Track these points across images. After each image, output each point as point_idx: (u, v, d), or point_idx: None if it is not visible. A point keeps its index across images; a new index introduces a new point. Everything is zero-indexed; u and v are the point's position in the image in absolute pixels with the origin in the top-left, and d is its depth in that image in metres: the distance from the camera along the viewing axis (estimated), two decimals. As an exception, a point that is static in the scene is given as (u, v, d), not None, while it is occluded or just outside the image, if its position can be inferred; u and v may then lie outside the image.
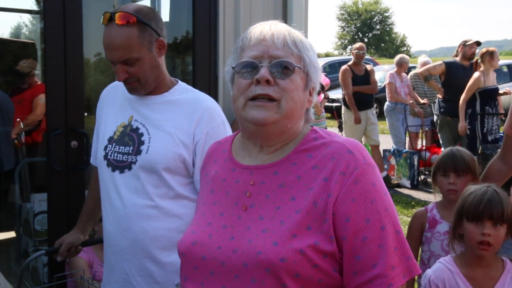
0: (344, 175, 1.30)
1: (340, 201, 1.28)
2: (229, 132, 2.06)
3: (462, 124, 6.98)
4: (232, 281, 1.29)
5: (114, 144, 2.09)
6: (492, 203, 2.12)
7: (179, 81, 2.18)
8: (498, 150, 2.66)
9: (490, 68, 6.96)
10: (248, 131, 1.40)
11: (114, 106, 2.19)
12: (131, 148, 2.03)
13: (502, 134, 7.68)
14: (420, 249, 2.78)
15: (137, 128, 2.06)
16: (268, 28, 1.38)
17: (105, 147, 2.12)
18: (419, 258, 2.75)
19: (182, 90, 2.12)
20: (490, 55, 6.92)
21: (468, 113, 7.11)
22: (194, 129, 2.01)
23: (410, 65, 9.98)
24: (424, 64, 8.34)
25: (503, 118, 7.13)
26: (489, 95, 6.97)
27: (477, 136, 6.99)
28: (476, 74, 6.94)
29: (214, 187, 1.46)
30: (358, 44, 8.19)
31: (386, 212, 1.29)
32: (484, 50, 7.06)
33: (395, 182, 8.11)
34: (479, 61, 7.04)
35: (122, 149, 2.06)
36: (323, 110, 8.63)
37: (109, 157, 2.09)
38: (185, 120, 2.02)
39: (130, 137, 2.06)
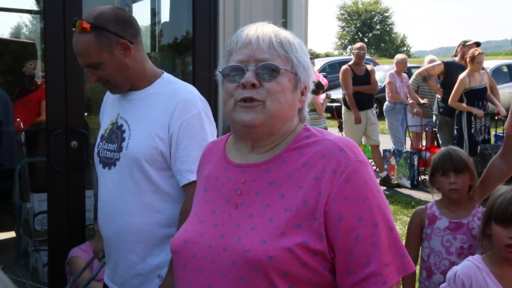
0: (335, 173, 1.29)
1: (332, 200, 1.28)
2: (206, 122, 2.07)
3: (476, 110, 6.97)
4: (220, 279, 1.29)
5: (104, 141, 2.17)
6: None
7: (164, 74, 2.20)
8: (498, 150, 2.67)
9: (473, 71, 6.97)
10: (238, 133, 1.42)
11: (109, 105, 2.28)
12: (115, 145, 2.11)
13: (499, 134, 7.70)
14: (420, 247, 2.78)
15: (121, 125, 2.12)
16: (254, 31, 1.38)
17: (98, 145, 2.21)
18: (420, 255, 2.76)
19: (164, 83, 2.14)
20: (471, 59, 6.91)
21: (455, 113, 7.15)
22: (169, 122, 2.03)
23: (411, 65, 9.99)
24: (431, 63, 8.35)
25: (503, 118, 7.13)
26: (475, 96, 6.99)
27: (464, 136, 7.02)
28: (461, 75, 6.96)
29: (207, 185, 1.48)
30: (358, 44, 8.18)
31: (379, 210, 1.29)
32: (470, 51, 7.07)
33: (395, 182, 8.11)
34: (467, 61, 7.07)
35: (109, 146, 2.13)
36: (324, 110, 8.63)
37: (100, 154, 2.17)
38: (161, 114, 2.05)
39: (115, 134, 2.13)
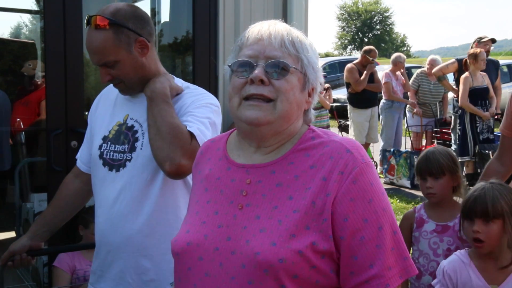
0: (342, 174, 1.29)
1: (338, 200, 1.28)
2: (217, 117, 2.05)
3: (483, 113, 6.97)
4: (228, 282, 1.28)
5: (109, 143, 2.06)
6: (477, 200, 2.18)
7: (175, 78, 2.15)
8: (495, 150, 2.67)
9: (475, 70, 6.99)
10: (243, 131, 1.39)
11: (109, 106, 2.17)
12: (126, 146, 2.01)
13: (498, 134, 7.71)
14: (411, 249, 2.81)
15: (132, 126, 2.04)
16: (266, 28, 1.36)
17: (100, 146, 2.09)
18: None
19: None
20: (473, 58, 6.93)
21: (458, 113, 7.16)
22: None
23: (411, 65, 9.97)
24: (432, 61, 8.35)
25: (500, 118, 7.13)
26: (478, 95, 7.00)
27: (468, 136, 7.02)
28: (464, 75, 6.99)
29: (208, 185, 1.44)
30: (371, 50, 8.13)
31: (383, 212, 1.30)
32: (470, 51, 7.07)
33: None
34: (468, 62, 7.07)
35: (117, 147, 2.03)
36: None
37: (104, 156, 2.06)
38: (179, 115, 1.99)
39: (125, 135, 2.04)
